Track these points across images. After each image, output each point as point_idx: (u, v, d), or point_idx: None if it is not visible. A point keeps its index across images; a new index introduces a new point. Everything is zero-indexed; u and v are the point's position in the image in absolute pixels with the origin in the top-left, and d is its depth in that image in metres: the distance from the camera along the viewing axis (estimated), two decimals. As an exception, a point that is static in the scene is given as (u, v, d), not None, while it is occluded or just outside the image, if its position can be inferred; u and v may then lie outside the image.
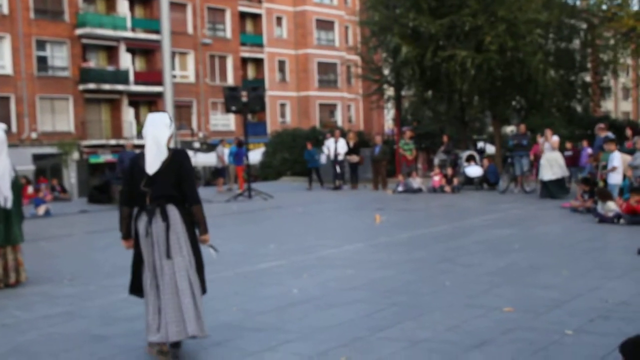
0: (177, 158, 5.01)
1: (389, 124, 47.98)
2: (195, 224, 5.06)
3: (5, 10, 36.87)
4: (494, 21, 22.24)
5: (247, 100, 18.20)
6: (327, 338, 5.32)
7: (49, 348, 5.31)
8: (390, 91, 28.48)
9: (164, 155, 4.95)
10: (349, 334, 5.40)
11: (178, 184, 4.96)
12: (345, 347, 5.07)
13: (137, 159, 5.06)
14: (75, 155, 39.05)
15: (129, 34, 41.44)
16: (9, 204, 7.76)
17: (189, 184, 5.00)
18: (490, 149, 29.99)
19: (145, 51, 43.50)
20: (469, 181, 20.16)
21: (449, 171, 19.79)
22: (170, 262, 4.88)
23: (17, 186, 8.06)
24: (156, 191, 4.92)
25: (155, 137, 4.96)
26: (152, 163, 4.93)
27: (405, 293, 6.81)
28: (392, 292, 6.90)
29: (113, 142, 40.38)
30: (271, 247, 10.09)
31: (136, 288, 5.17)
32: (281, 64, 52.11)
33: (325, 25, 53.83)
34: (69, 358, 5.02)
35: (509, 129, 33.25)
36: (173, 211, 4.95)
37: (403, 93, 27.77)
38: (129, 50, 42.06)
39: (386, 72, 27.47)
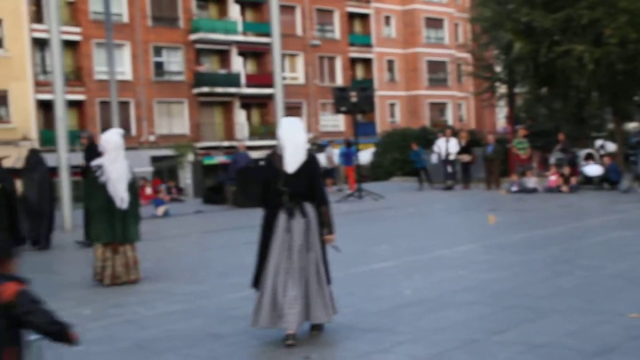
0: (310, 160, 5.47)
1: (501, 122, 46.84)
2: (321, 223, 5.50)
3: (126, 19, 38.58)
4: (614, 13, 21.25)
5: (356, 100, 18.21)
6: (441, 340, 5.23)
7: (170, 344, 5.48)
8: (502, 89, 27.76)
9: (302, 156, 5.40)
10: (463, 336, 5.29)
11: (310, 184, 5.42)
12: (459, 349, 4.97)
13: (272, 159, 5.53)
14: (190, 157, 40.36)
15: (240, 38, 42.46)
16: (125, 205, 8.23)
17: (318, 184, 5.52)
18: (611, 146, 28.71)
19: (256, 54, 44.43)
20: (588, 181, 19.37)
21: (566, 170, 19.08)
22: (307, 255, 5.36)
23: (134, 188, 8.57)
24: (294, 190, 5.36)
25: (294, 140, 5.40)
26: (292, 163, 5.37)
27: (520, 295, 6.60)
28: (507, 294, 6.70)
29: (226, 143, 41.46)
30: (383, 247, 10.05)
31: (254, 279, 5.52)
32: (390, 63, 51.93)
33: (434, 23, 53.23)
34: (189, 355, 5.16)
35: (632, 126, 31.72)
36: (310, 209, 5.45)
37: (516, 90, 27.01)
38: (240, 53, 43.10)
39: (498, 69, 26.81)
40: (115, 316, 6.50)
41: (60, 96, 15.08)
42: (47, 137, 34.22)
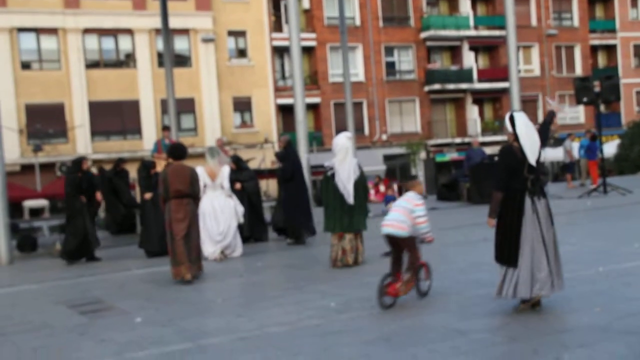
0: (540, 153, 6.28)
1: None
2: None
3: (358, 22, 39.68)
4: None
5: (599, 90, 17.14)
6: None
7: (413, 338, 5.51)
8: None
9: (537, 150, 6.20)
10: None
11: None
12: None
13: (512, 150, 6.22)
14: (422, 154, 40.51)
15: (471, 33, 41.83)
16: (350, 200, 9.25)
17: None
18: None
19: (488, 48, 43.53)
20: None
21: None
22: (551, 230, 6.16)
23: (362, 184, 9.44)
24: (536, 176, 6.17)
25: (532, 136, 6.21)
26: (532, 155, 6.15)
27: None
28: None
29: (458, 140, 41.07)
30: (635, 245, 9.31)
31: (507, 257, 6.12)
32: (637, 48, 48.08)
33: (686, 1, 48.46)
34: (433, 350, 5.15)
35: None
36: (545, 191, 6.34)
37: None
38: (471, 48, 42.45)
39: None
40: (360, 309, 6.66)
41: (300, 100, 15.82)
42: (288, 139, 36.25)
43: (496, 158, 20.30)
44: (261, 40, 37.16)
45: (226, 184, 11.38)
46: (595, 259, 8.48)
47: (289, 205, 12.34)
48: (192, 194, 9.39)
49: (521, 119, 6.28)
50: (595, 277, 7.42)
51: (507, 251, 6.12)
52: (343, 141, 9.37)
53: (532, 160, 6.11)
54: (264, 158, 25.31)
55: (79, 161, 12.32)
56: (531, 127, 6.26)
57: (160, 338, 6.08)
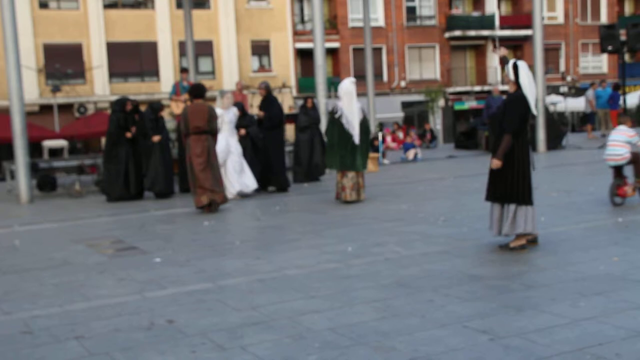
0: None
1: None
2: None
3: (378, -35, 38.97)
4: None
5: (625, 38, 16.84)
6: None
7: (430, 283, 5.54)
8: None
9: (534, 96, 6.56)
10: None
11: None
12: None
13: (524, 100, 6.52)
14: (441, 102, 40.18)
15: (495, -22, 41.03)
16: (357, 140, 10.17)
17: None
18: None
19: (511, -6, 42.73)
20: None
21: None
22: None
23: (365, 127, 10.33)
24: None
25: (532, 89, 6.49)
26: (533, 103, 6.53)
27: None
28: None
29: (477, 88, 40.65)
30: (654, 196, 9.27)
31: (523, 196, 6.54)
32: (663, -4, 47.06)
33: None
34: (449, 294, 5.18)
35: None
36: None
37: None
38: (494, -6, 41.69)
39: None
40: (377, 254, 6.71)
41: (319, 44, 15.67)
42: (304, 84, 36.01)
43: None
44: (280, -18, 36.66)
45: (226, 127, 11.58)
46: (614, 209, 8.45)
47: (278, 154, 12.56)
48: (210, 130, 10.16)
49: (524, 69, 6.54)
50: (614, 227, 7.40)
51: (523, 190, 6.51)
52: (348, 86, 10.23)
53: (533, 109, 6.52)
54: (282, 102, 25.21)
55: (122, 101, 12.61)
56: (531, 77, 6.59)
57: (179, 278, 6.16)
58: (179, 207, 11.15)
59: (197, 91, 10.36)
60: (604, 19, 43.38)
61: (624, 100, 18.01)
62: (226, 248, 7.51)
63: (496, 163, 6.52)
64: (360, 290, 5.44)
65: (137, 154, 12.48)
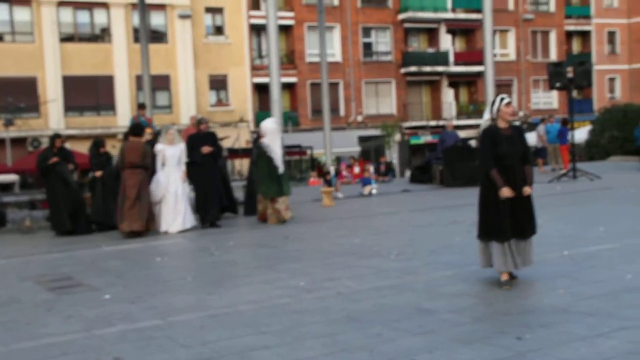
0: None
1: None
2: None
3: (336, 2, 39.55)
4: None
5: (573, 76, 17.31)
6: (670, 330, 4.84)
7: (380, 317, 5.57)
8: None
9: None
10: (695, 328, 4.85)
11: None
12: (691, 341, 4.57)
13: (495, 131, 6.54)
14: (397, 136, 40.66)
15: (449, 15, 41.94)
16: (282, 170, 12.00)
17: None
18: None
19: (465, 31, 43.67)
20: None
21: None
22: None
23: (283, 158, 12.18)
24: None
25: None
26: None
27: None
28: None
29: (433, 123, 41.26)
30: (601, 229, 9.48)
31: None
32: (611, 35, 48.58)
33: (662, -11, 48.96)
34: (398, 328, 5.22)
35: None
36: None
37: None
38: (449, 31, 42.58)
39: None
40: (329, 289, 6.72)
41: (275, 79, 15.77)
42: (262, 118, 36.03)
43: (473, 141, 20.47)
44: (239, 17, 36.93)
45: (168, 162, 11.84)
46: (562, 242, 8.62)
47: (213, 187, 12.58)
48: (142, 165, 11.51)
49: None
50: (561, 260, 7.55)
51: (485, 224, 6.52)
52: (270, 125, 12.25)
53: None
54: (238, 137, 25.24)
55: (52, 138, 12.89)
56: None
57: (128, 314, 6.09)
58: (131, 242, 11.04)
59: (135, 130, 12.05)
60: (553, 56, 44.62)
61: (572, 136, 18.42)
62: (178, 283, 7.46)
63: (527, 191, 6.44)
64: (310, 325, 5.45)
65: (70, 189, 12.38)
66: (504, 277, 6.41)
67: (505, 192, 6.29)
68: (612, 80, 48.72)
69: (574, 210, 12.22)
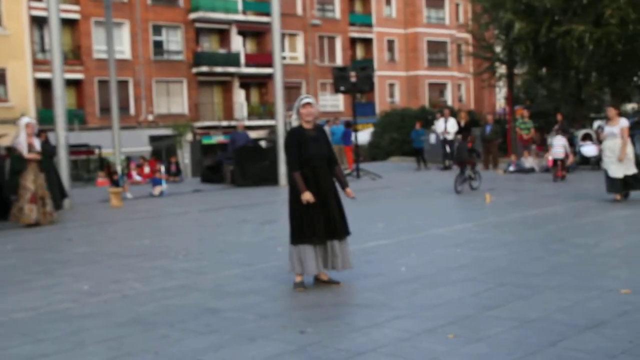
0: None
1: (500, 102, 46.78)
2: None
3: (124, -2, 38.41)
4: (614, -7, 21.17)
5: (356, 80, 18.23)
6: (435, 315, 5.29)
7: (166, 318, 5.54)
8: (502, 69, 27.74)
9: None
10: (457, 312, 5.35)
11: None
12: (453, 324, 5.03)
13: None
14: (189, 136, 40.34)
15: (240, 17, 42.30)
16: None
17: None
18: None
19: (256, 33, 44.27)
20: (585, 161, 19.43)
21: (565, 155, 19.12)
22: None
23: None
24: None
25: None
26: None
27: (514, 273, 6.67)
28: (501, 271, 6.77)
29: (225, 123, 41.41)
30: (380, 226, 10.11)
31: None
32: (390, 43, 51.75)
33: (435, 3, 52.96)
34: (185, 329, 5.22)
35: (630, 107, 31.70)
36: None
37: (515, 71, 26.99)
38: (240, 33, 42.94)
39: (498, 49, 26.75)
40: (114, 292, 6.56)
41: (58, 75, 15.06)
42: (45, 116, 34.20)
43: (263, 142, 20.78)
44: (17, 7, 34.63)
45: None
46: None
47: None
48: None
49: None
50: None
51: (298, 227, 6.39)
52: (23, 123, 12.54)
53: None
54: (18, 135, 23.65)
55: None
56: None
57: None
58: None
59: None
60: (339, 61, 46.63)
61: (356, 137, 19.42)
62: (-54, 293, 6.89)
63: (350, 193, 6.60)
64: (93, 329, 5.29)
65: None
66: (298, 278, 6.39)
67: (307, 196, 6.15)
68: (392, 85, 51.88)
69: (356, 209, 12.84)
